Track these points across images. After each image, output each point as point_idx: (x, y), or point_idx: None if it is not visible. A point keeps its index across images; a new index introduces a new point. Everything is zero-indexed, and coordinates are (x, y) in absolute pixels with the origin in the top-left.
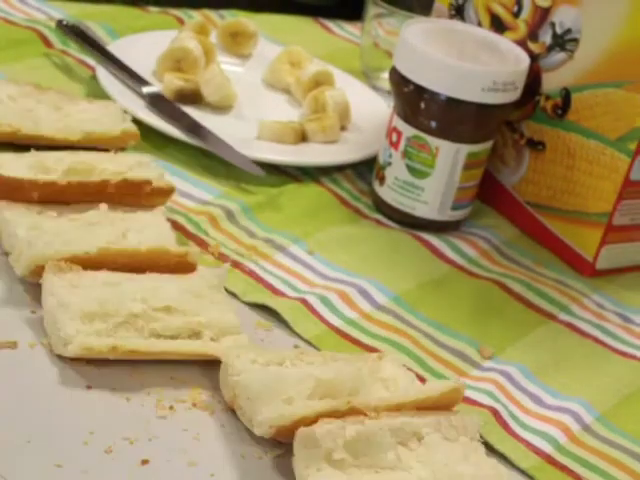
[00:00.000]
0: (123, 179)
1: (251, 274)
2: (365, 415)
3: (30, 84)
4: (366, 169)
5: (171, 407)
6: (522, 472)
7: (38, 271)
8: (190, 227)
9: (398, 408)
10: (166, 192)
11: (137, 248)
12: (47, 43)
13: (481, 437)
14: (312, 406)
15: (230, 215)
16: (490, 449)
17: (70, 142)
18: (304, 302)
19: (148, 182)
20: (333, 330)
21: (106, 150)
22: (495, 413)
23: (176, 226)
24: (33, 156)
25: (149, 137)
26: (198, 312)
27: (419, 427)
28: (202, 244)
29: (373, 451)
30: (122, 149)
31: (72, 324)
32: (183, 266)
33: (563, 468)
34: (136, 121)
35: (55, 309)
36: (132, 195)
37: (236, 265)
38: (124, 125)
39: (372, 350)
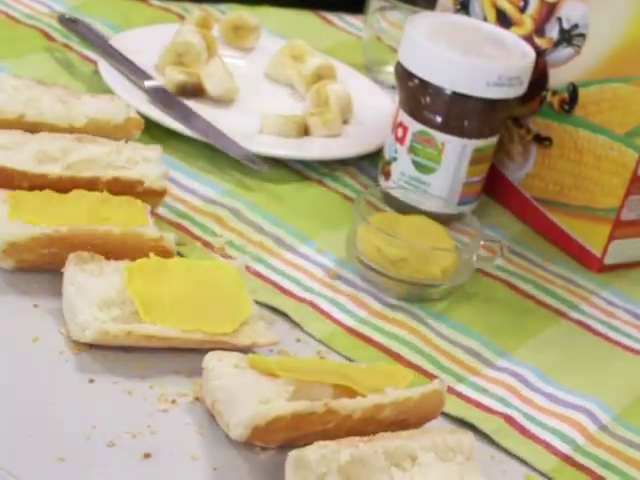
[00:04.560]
0: (114, 177)
1: (259, 276)
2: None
3: (34, 79)
4: (368, 164)
5: (173, 401)
6: (542, 474)
7: (9, 252)
8: (195, 229)
9: (377, 410)
10: (158, 194)
11: (110, 230)
12: (49, 37)
13: (498, 444)
14: (288, 406)
15: (236, 213)
16: (509, 454)
17: (74, 129)
18: (312, 305)
19: (140, 182)
20: (344, 329)
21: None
22: (509, 420)
23: (180, 228)
24: (39, 143)
25: (151, 131)
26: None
27: (414, 449)
28: (207, 245)
29: (366, 474)
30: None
31: (90, 311)
32: (159, 252)
33: (583, 469)
34: (138, 115)
35: (74, 296)
36: (124, 194)
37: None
38: (128, 114)
39: (384, 349)
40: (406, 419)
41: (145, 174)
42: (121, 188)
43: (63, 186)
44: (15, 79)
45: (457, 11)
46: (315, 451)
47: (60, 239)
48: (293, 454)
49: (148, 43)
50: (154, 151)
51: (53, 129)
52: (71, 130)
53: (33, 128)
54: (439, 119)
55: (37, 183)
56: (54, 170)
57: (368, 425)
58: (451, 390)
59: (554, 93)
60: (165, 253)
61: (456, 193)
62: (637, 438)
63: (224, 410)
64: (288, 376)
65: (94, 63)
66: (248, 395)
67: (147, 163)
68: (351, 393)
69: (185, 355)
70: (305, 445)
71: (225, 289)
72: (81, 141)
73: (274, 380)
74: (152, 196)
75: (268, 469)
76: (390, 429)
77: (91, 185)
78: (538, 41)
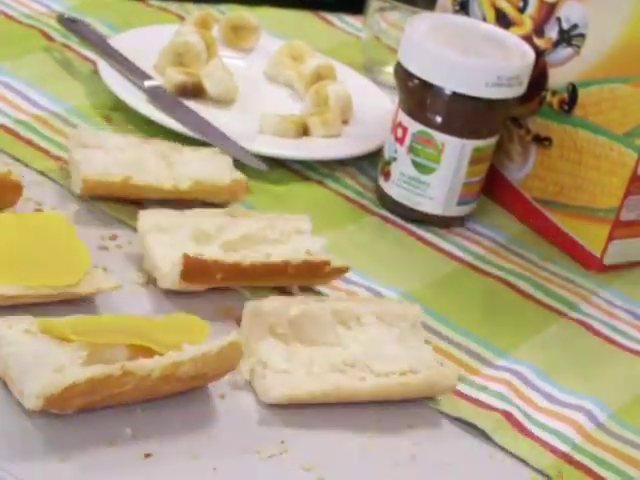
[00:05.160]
0: (304, 260)
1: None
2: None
3: (135, 134)
4: (368, 164)
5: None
6: (539, 472)
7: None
8: None
9: (175, 367)
10: (341, 271)
11: None
12: (48, 37)
13: (495, 442)
14: (83, 373)
15: None
16: (507, 453)
17: (179, 193)
18: None
19: (327, 263)
20: None
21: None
22: (509, 416)
23: None
24: (194, 221)
25: (151, 132)
26: None
27: (360, 311)
28: None
29: (314, 329)
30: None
31: None
32: (8, 186)
33: (580, 466)
34: (138, 115)
35: None
36: (310, 273)
37: None
38: (233, 175)
39: None
40: (206, 373)
41: (308, 248)
42: (309, 269)
43: (256, 273)
44: (118, 137)
45: (456, 11)
46: (269, 303)
47: None
48: (250, 304)
49: (147, 43)
50: (304, 221)
51: (158, 192)
52: (176, 193)
53: (139, 191)
54: (439, 119)
55: (231, 273)
56: (236, 257)
57: (168, 382)
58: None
59: (553, 93)
60: (14, 187)
61: (455, 193)
62: (634, 436)
63: (16, 379)
64: (81, 340)
65: (93, 63)
66: (40, 363)
67: (300, 235)
68: (148, 351)
69: None
70: (104, 409)
71: (59, 241)
72: (233, 216)
73: (68, 345)
74: (335, 274)
75: (267, 469)
76: (190, 384)
77: (282, 269)
78: (537, 41)
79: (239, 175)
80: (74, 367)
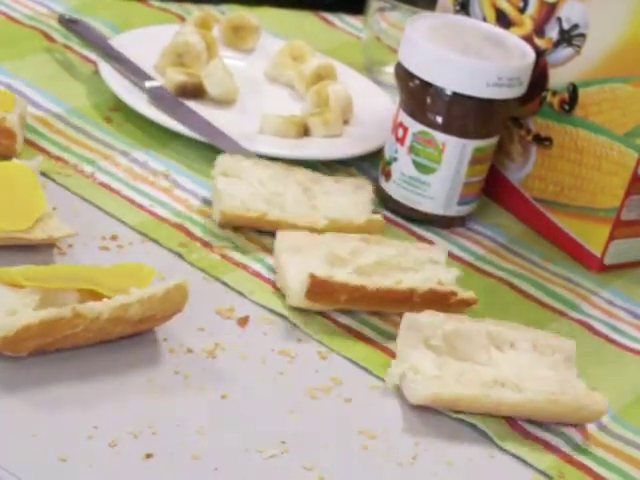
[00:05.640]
0: (430, 289)
1: (257, 275)
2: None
3: (279, 165)
4: (368, 164)
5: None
6: (541, 473)
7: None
8: (195, 230)
9: (123, 309)
10: (468, 303)
11: None
12: (49, 38)
13: (496, 442)
14: (35, 315)
15: None
16: (508, 453)
17: (314, 230)
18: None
19: (454, 293)
20: (344, 330)
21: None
22: (513, 424)
23: (180, 229)
24: (328, 245)
25: (152, 132)
26: None
27: (515, 337)
28: (207, 245)
29: (468, 347)
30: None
31: None
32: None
33: (581, 467)
34: (138, 116)
35: None
36: (435, 303)
37: (243, 267)
38: (370, 215)
39: (383, 349)
40: (152, 315)
41: (440, 278)
42: (434, 298)
43: (380, 297)
44: (261, 167)
45: (457, 12)
46: (426, 317)
47: None
48: (408, 315)
49: (148, 44)
50: (440, 252)
51: (293, 228)
52: (311, 230)
53: (274, 225)
54: (439, 119)
55: (355, 295)
56: (365, 281)
57: (117, 324)
58: None
59: (554, 93)
60: (8, 134)
61: (456, 193)
62: (636, 437)
63: None
64: (33, 285)
65: (94, 64)
66: None
67: (434, 265)
68: (97, 296)
69: None
70: (57, 351)
71: (18, 188)
72: (368, 242)
73: (20, 290)
74: (461, 305)
75: (268, 469)
76: (139, 327)
77: (407, 296)
78: (538, 41)
79: (377, 216)
80: (27, 310)
